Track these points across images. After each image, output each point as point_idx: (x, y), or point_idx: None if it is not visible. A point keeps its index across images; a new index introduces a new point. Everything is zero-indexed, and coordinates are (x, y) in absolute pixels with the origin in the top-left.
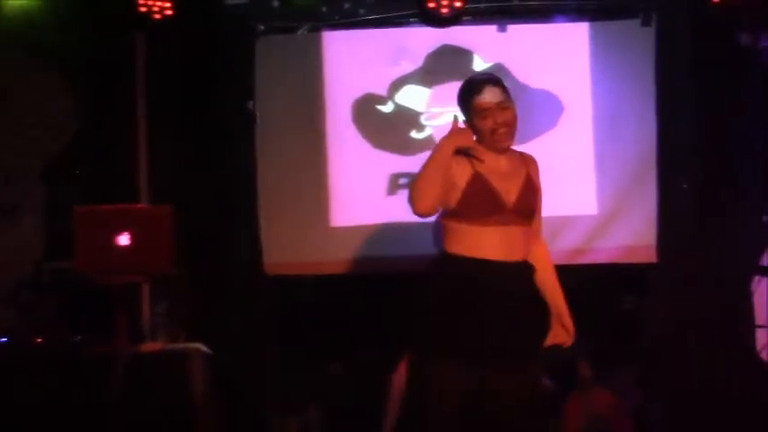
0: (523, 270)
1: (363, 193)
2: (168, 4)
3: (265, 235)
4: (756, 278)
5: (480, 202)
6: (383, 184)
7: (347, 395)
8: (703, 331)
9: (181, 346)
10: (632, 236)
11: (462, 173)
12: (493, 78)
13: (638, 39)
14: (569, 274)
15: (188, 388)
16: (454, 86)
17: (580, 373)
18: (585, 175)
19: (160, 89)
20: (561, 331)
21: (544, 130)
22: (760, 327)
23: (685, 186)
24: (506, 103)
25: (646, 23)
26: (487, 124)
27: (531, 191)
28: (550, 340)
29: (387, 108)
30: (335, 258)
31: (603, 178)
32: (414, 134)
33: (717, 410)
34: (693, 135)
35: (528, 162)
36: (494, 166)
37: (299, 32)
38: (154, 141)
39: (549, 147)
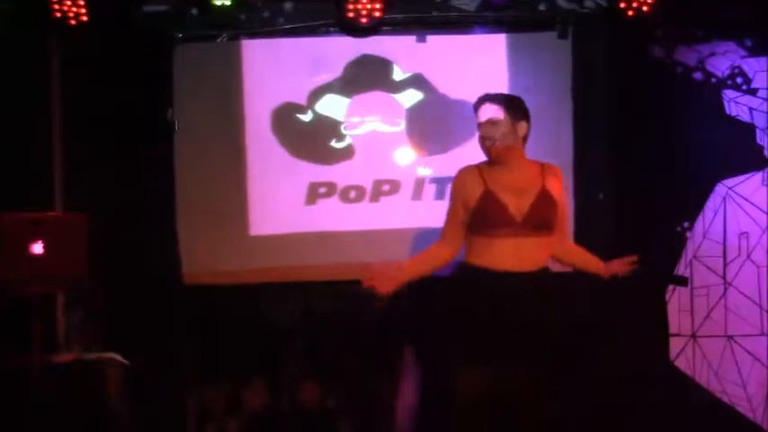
0: (537, 279)
1: (282, 202)
2: (84, 10)
3: (183, 244)
4: (670, 287)
5: (489, 216)
6: (302, 193)
7: (267, 406)
8: (618, 339)
9: (96, 356)
10: None
11: (474, 191)
12: (491, 97)
13: (555, 51)
14: None
15: (103, 398)
16: (374, 96)
17: None
18: None
19: (76, 96)
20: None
21: (464, 140)
22: (674, 335)
23: (601, 197)
24: (496, 120)
25: (562, 36)
26: (479, 136)
27: (546, 203)
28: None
29: (306, 117)
30: (254, 267)
31: None
32: (333, 143)
33: (631, 417)
34: (608, 147)
35: (546, 174)
36: (507, 181)
37: (218, 41)
38: (69, 149)
39: (468, 156)
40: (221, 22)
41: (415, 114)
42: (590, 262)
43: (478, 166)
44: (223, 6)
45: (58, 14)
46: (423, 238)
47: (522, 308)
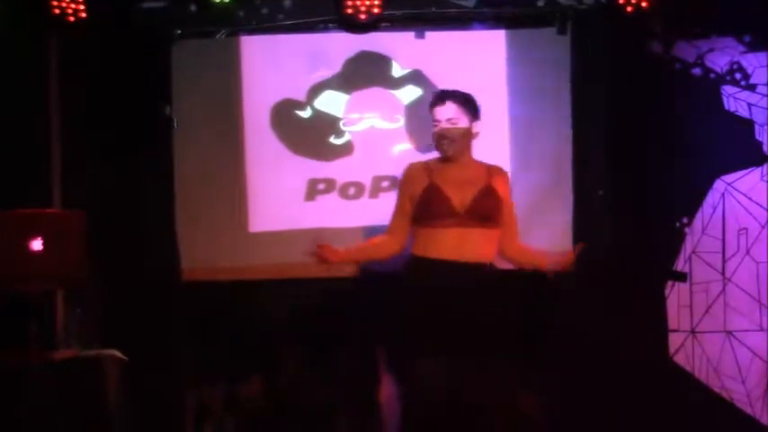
0: (479, 271)
1: (281, 198)
2: (82, 7)
3: (182, 240)
4: (669, 283)
5: (432, 208)
6: (301, 189)
7: (265, 403)
8: (617, 335)
9: (95, 352)
10: (547, 242)
11: (419, 185)
12: (450, 95)
13: (554, 47)
14: None
15: (102, 395)
16: (372, 92)
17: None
18: None
19: (74, 92)
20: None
21: None
22: (673, 331)
23: (600, 193)
24: (456, 120)
25: (561, 32)
26: (434, 135)
27: (489, 197)
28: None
29: (305, 113)
30: (253, 264)
31: (519, 185)
32: (332, 139)
33: (630, 413)
34: (608, 142)
35: (493, 174)
36: (452, 176)
37: (217, 37)
38: (68, 146)
39: None
40: (220, 19)
41: (414, 111)
42: (545, 258)
43: (426, 162)
44: (221, 3)
45: (57, 11)
46: None
47: (463, 298)
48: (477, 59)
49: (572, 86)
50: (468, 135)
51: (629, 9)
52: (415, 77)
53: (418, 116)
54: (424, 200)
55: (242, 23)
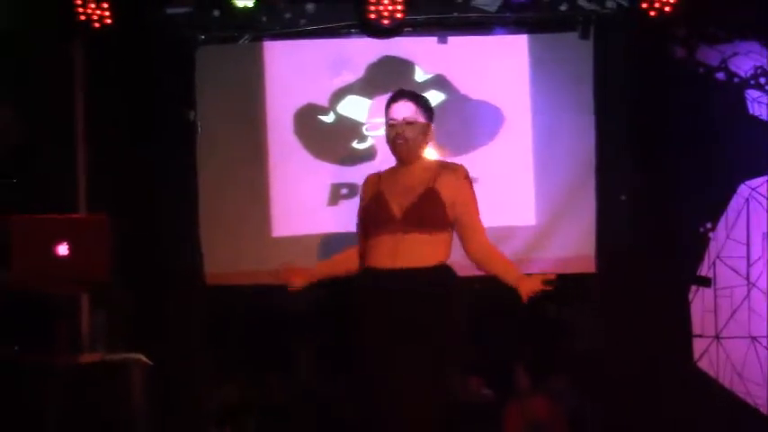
0: (414, 276)
1: (304, 203)
2: (107, 13)
3: (206, 245)
4: (693, 288)
5: (374, 217)
6: (324, 194)
7: (284, 406)
8: (640, 340)
9: (120, 356)
10: (571, 246)
11: (368, 195)
12: (408, 94)
13: (577, 51)
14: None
15: (126, 399)
16: None
17: (517, 381)
18: (525, 185)
19: (99, 98)
20: (527, 284)
21: (484, 142)
22: (697, 336)
23: (623, 198)
24: (413, 120)
25: (584, 36)
26: (389, 135)
27: (430, 201)
28: (526, 295)
29: (328, 118)
30: (276, 268)
31: (542, 189)
32: (355, 144)
33: (653, 417)
34: (631, 147)
35: (441, 173)
36: (399, 182)
37: (240, 42)
38: (93, 150)
39: (489, 158)
40: (243, 24)
41: (437, 115)
42: (510, 273)
43: (380, 173)
44: (245, 8)
45: (83, 17)
46: None
47: (394, 305)
48: (500, 64)
49: (595, 90)
50: (423, 136)
51: (652, 13)
52: (438, 82)
53: (441, 121)
54: (370, 209)
55: (265, 28)
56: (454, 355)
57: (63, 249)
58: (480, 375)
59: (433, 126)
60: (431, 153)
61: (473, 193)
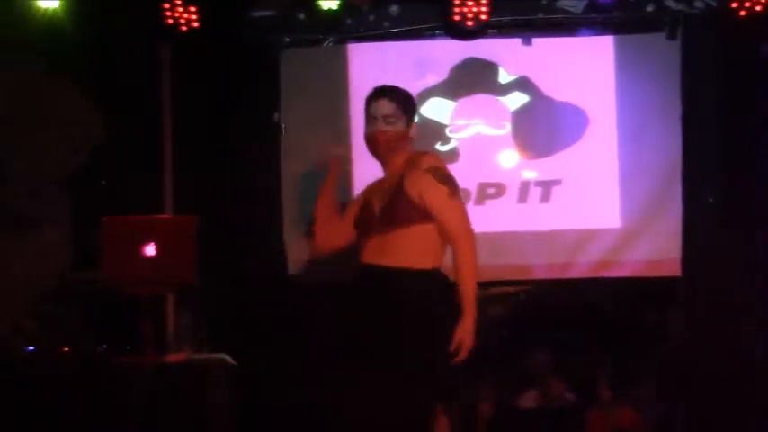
0: (400, 275)
1: None
2: (194, 17)
3: (290, 246)
4: None
5: (361, 221)
6: None
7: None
8: (727, 345)
9: (205, 356)
10: (656, 249)
11: (357, 205)
12: (389, 92)
13: (664, 52)
14: (593, 288)
15: (211, 399)
16: (479, 99)
17: (600, 392)
18: (610, 188)
19: (185, 100)
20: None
21: (569, 144)
22: None
23: (711, 200)
24: (393, 119)
25: (671, 37)
26: (367, 132)
27: (397, 201)
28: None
29: None
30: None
31: (628, 192)
32: (439, 146)
33: (740, 424)
34: (719, 149)
35: (408, 170)
36: (381, 186)
37: (325, 44)
38: (179, 152)
39: (574, 160)
40: (328, 26)
41: (520, 117)
42: (464, 300)
43: (371, 185)
44: (330, 11)
45: (170, 21)
46: (529, 241)
47: (365, 303)
48: (585, 65)
49: (682, 92)
50: (403, 136)
51: (742, 13)
52: (522, 84)
53: (525, 123)
54: (360, 215)
55: (349, 31)
56: (430, 377)
57: (150, 250)
58: (563, 380)
59: (415, 123)
60: (514, 157)
61: (436, 182)
